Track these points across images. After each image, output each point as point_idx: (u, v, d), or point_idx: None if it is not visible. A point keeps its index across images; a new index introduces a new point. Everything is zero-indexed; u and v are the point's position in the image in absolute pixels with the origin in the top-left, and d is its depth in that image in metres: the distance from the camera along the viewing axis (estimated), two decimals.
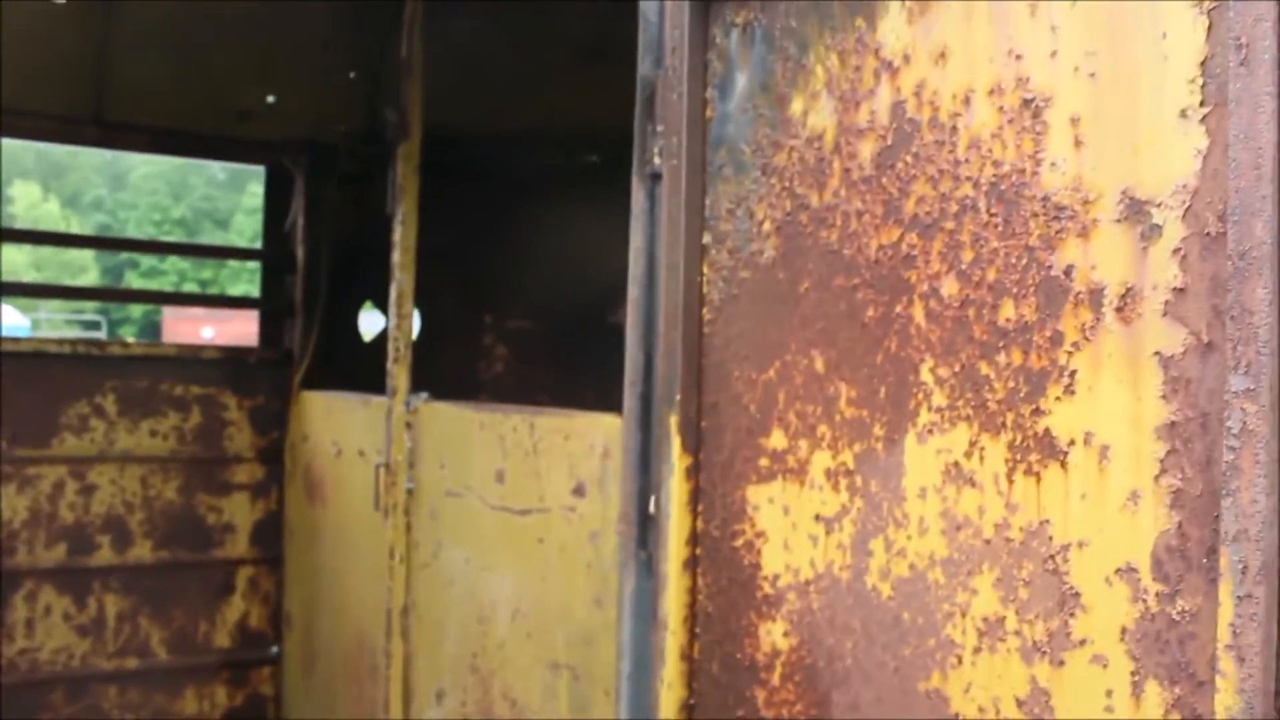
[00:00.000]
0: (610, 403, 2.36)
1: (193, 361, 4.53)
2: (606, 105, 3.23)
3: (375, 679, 3.61)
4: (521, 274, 5.10)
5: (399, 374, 3.52)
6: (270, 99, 4.66)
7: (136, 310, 39.98)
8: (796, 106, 1.98)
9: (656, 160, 2.20)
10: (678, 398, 2.06)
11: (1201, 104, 1.44)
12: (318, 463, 4.24)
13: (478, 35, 4.62)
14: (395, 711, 3.43)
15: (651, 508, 2.12)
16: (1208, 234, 1.42)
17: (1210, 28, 1.42)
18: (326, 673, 4.21)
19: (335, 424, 4.12)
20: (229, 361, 4.60)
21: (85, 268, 40.60)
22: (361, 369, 4.43)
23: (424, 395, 3.43)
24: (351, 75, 4.76)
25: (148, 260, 41.23)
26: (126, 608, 4.42)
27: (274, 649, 4.69)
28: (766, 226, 2.01)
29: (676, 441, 2.07)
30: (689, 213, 2.12)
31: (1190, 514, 1.42)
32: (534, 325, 5.15)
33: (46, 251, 37.40)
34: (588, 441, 2.54)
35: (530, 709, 2.73)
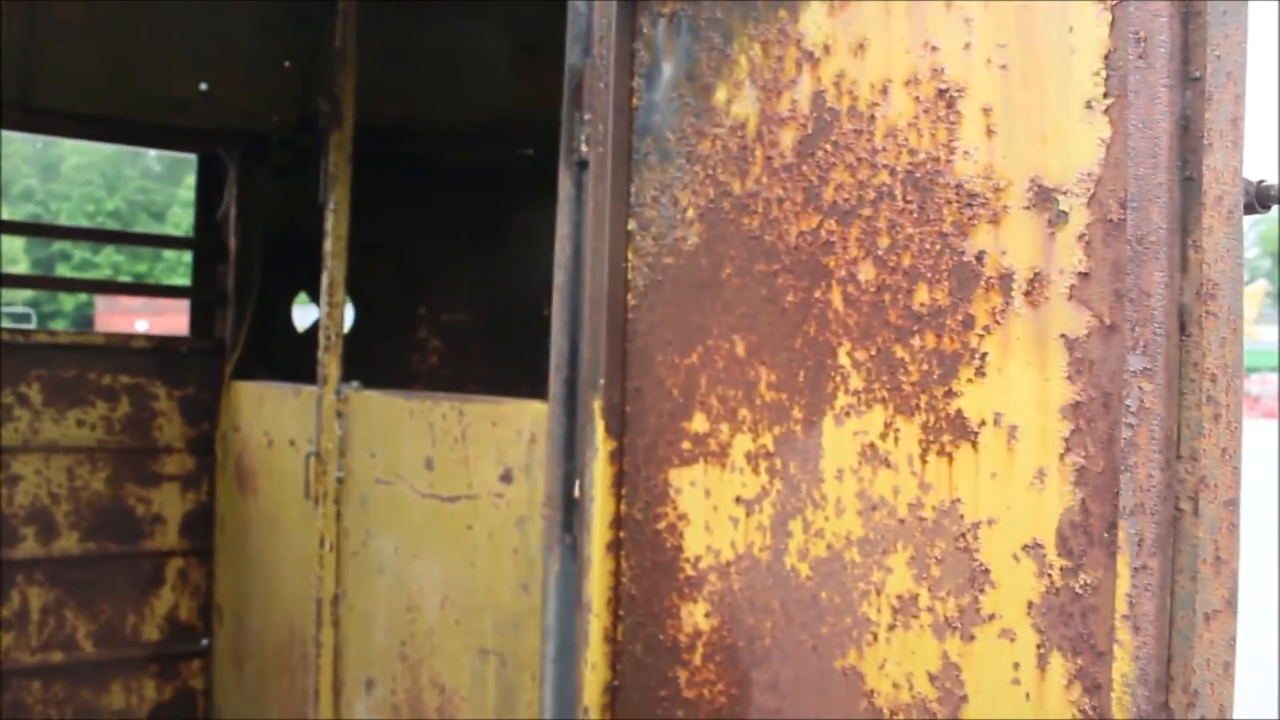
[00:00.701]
0: (542, 393, 2.37)
1: (122, 351, 4.48)
2: (543, 99, 3.24)
3: (305, 669, 3.60)
4: (457, 267, 5.09)
5: (330, 363, 3.51)
6: (204, 87, 4.62)
7: (68, 304, 39.32)
8: (720, 95, 2.01)
9: (583, 148, 2.23)
10: (602, 382, 2.09)
11: (1105, 95, 1.48)
12: (249, 453, 4.22)
13: (414, 28, 4.61)
14: (325, 702, 3.42)
15: (576, 492, 2.14)
16: (1110, 220, 1.47)
17: (1113, 22, 1.47)
18: (257, 664, 4.18)
19: (267, 414, 4.10)
20: (159, 351, 4.55)
21: (15, 260, 39.83)
22: (295, 360, 4.40)
23: (355, 384, 3.43)
24: (286, 65, 4.73)
25: (80, 253, 40.56)
26: (51, 600, 4.36)
27: (204, 641, 4.64)
28: (690, 213, 2.04)
29: (600, 426, 2.09)
30: (614, 200, 2.14)
31: (1093, 491, 1.47)
32: (469, 318, 5.15)
33: None
34: (515, 428, 2.55)
35: (459, 696, 2.74)
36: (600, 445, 2.09)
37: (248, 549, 4.23)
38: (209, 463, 4.54)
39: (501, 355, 5.08)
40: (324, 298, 3.64)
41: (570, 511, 2.15)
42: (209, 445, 4.54)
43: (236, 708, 4.41)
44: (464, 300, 5.13)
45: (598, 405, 2.09)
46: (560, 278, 2.22)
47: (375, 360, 4.65)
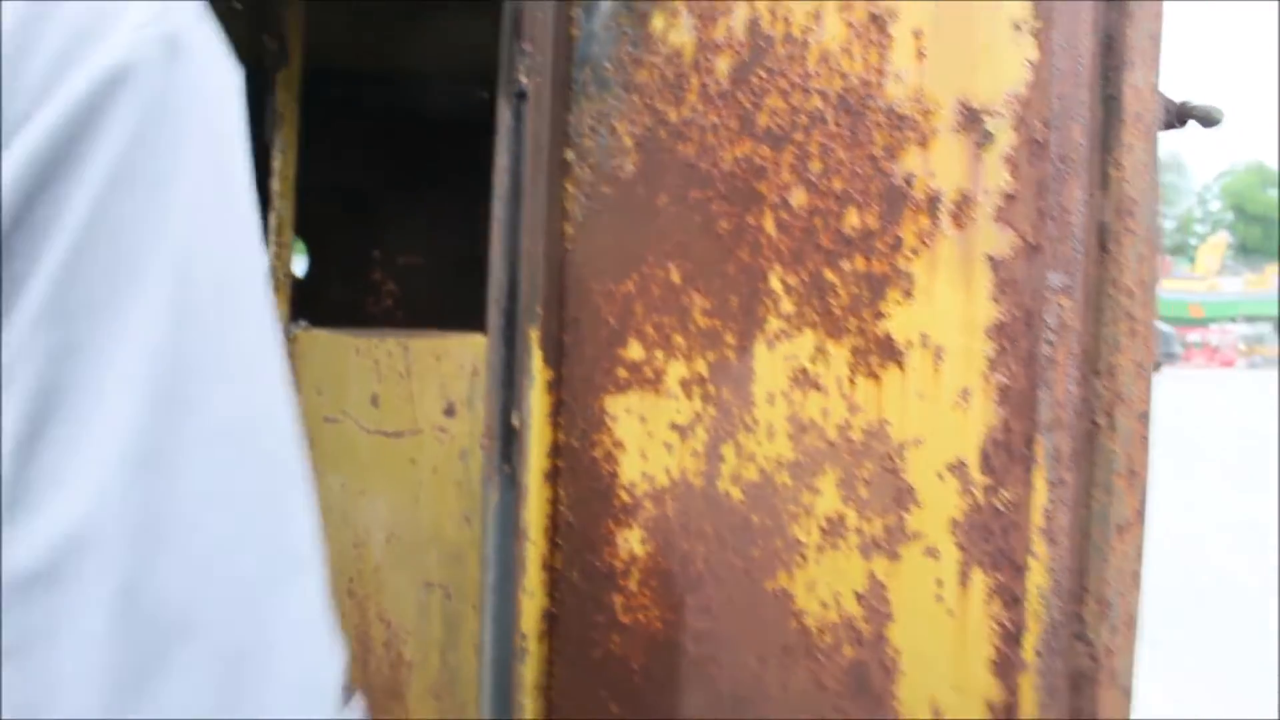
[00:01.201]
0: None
1: None
2: (497, 41, 3.20)
3: None
4: (411, 210, 5.06)
5: (279, 303, 3.49)
6: None
7: None
8: (658, 24, 2.00)
9: (522, 79, 2.21)
10: (539, 312, 2.09)
11: (1034, 16, 1.49)
12: None
13: None
14: None
15: (515, 422, 2.14)
16: (1035, 140, 1.47)
17: None
18: None
19: None
20: None
21: None
22: None
23: (303, 323, 3.41)
24: (236, 6, 4.66)
25: None
26: None
27: None
28: (627, 142, 2.03)
29: (538, 355, 2.09)
30: (553, 130, 2.13)
31: (1015, 409, 1.48)
32: (425, 262, 5.12)
33: None
34: (458, 362, 2.55)
35: (405, 630, 2.75)
36: (537, 375, 2.09)
37: None
38: None
39: (456, 298, 5.04)
40: (272, 238, 3.61)
41: (509, 441, 2.16)
42: None
43: None
44: (419, 243, 5.10)
45: (535, 335, 2.09)
46: (499, 209, 2.21)
47: (328, 304, 4.62)
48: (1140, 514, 1.40)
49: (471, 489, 2.48)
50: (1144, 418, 1.39)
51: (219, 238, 0.74)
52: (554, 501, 2.11)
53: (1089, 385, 1.39)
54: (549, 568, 2.11)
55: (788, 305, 1.76)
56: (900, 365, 1.61)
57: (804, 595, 1.74)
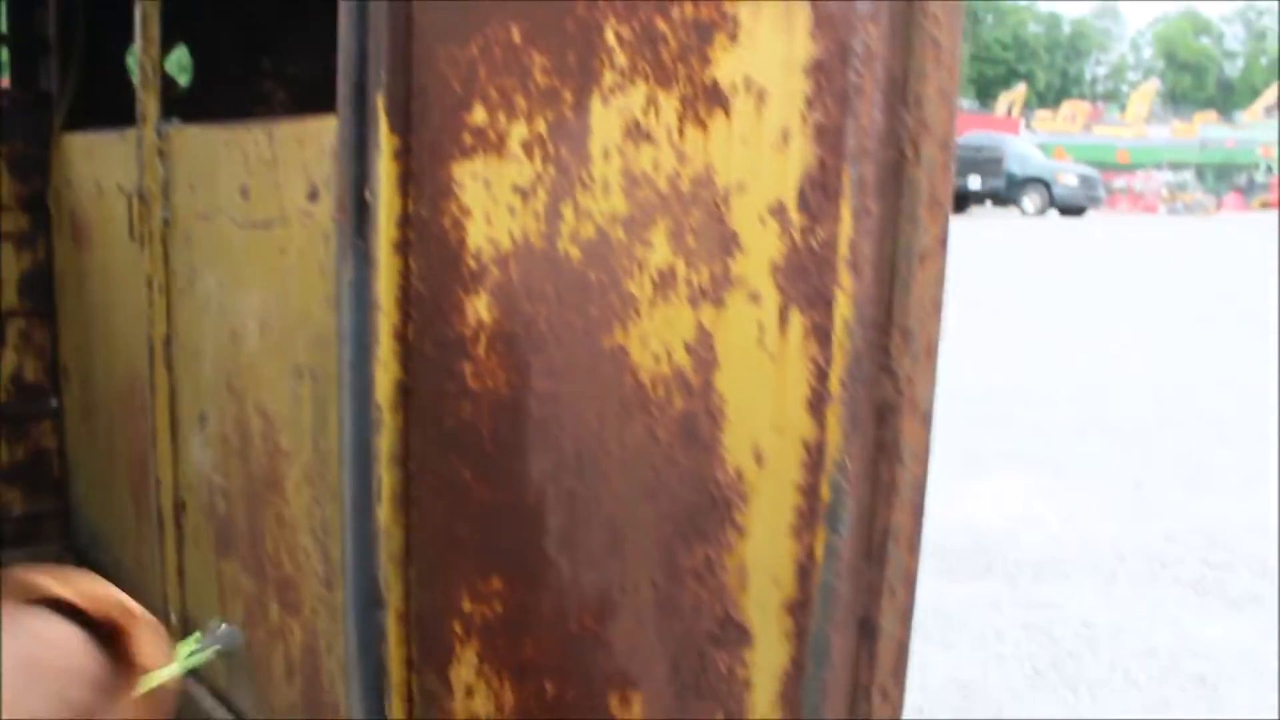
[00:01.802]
0: None
1: None
2: None
3: (146, 414, 3.59)
4: (301, 17, 4.90)
5: (149, 100, 3.39)
6: None
7: None
8: None
9: None
10: (384, 78, 2.05)
11: None
12: (81, 205, 4.10)
13: None
14: (163, 440, 3.43)
15: (367, 195, 2.12)
16: None
17: None
18: (105, 417, 4.17)
19: (96, 163, 3.97)
20: None
21: None
22: (130, 110, 4.24)
23: (175, 121, 3.32)
24: None
25: None
26: None
27: (53, 401, 4.60)
28: None
29: (384, 123, 2.06)
30: None
31: (830, 147, 1.48)
32: (315, 71, 4.98)
33: None
34: (319, 144, 2.51)
35: (280, 418, 2.76)
36: (385, 144, 2.06)
37: (87, 304, 4.17)
38: (44, 220, 4.41)
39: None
40: (139, 32, 3.48)
41: (361, 215, 2.14)
42: (42, 203, 4.39)
43: (90, 463, 4.42)
44: (309, 52, 4.96)
45: (381, 103, 2.06)
46: None
47: (216, 114, 4.50)
48: (942, 243, 1.42)
49: (334, 271, 2.46)
50: (946, 146, 1.40)
51: None
52: (405, 273, 2.10)
53: (895, 115, 1.40)
54: (401, 339, 2.11)
55: (621, 58, 1.74)
56: (726, 111, 1.60)
57: (638, 350, 1.76)
